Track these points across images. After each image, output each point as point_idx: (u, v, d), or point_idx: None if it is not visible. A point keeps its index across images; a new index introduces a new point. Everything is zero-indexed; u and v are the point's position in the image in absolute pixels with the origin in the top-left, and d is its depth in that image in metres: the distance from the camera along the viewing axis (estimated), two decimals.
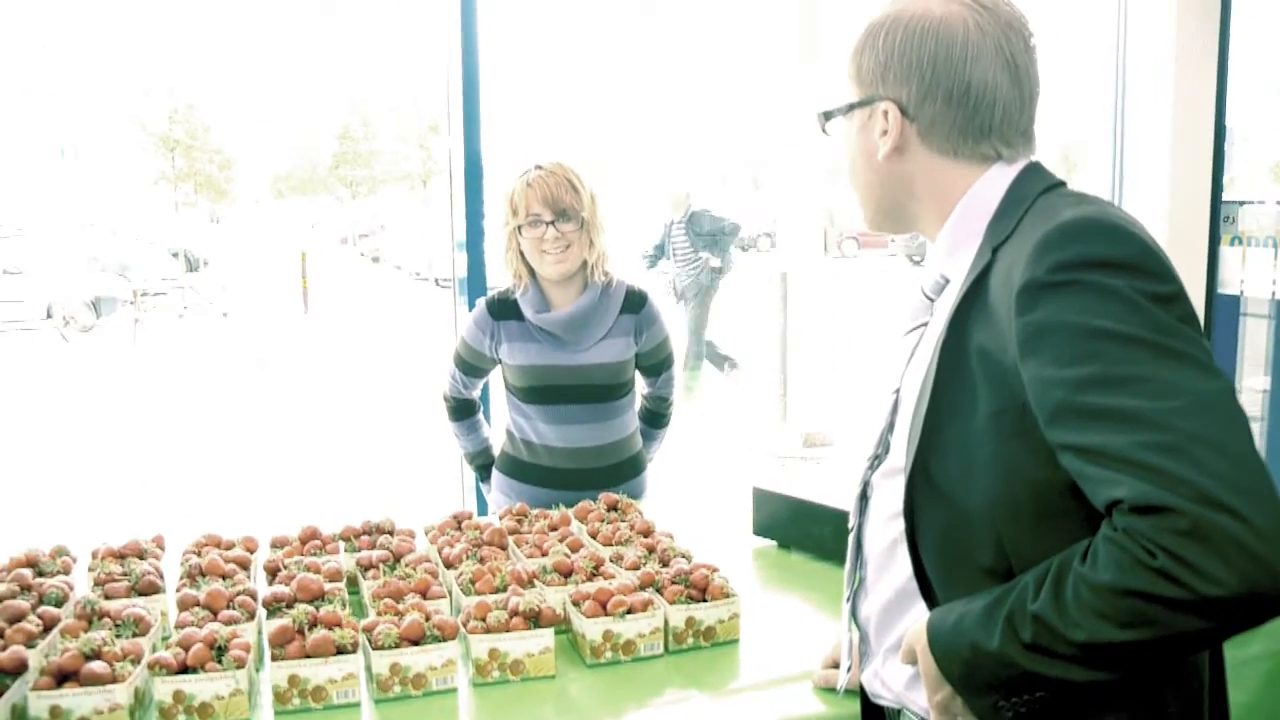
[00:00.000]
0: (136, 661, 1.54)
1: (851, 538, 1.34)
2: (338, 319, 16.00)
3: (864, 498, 1.32)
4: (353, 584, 2.02)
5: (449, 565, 1.99)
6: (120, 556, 2.02)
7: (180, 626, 1.66)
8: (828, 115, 1.34)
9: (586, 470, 2.54)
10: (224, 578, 1.88)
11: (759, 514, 2.29)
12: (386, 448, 7.45)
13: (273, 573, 1.95)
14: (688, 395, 8.83)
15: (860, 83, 1.27)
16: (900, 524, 1.21)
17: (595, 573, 1.90)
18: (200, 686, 1.51)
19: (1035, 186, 1.20)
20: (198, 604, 1.74)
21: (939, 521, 1.17)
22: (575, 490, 2.48)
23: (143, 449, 7.86)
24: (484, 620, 1.68)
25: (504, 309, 2.55)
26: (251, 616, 1.72)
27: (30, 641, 1.62)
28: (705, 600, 1.77)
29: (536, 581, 1.87)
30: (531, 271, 2.51)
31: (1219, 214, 4.09)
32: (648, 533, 2.12)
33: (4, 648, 1.57)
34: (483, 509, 3.01)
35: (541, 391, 2.51)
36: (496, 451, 2.72)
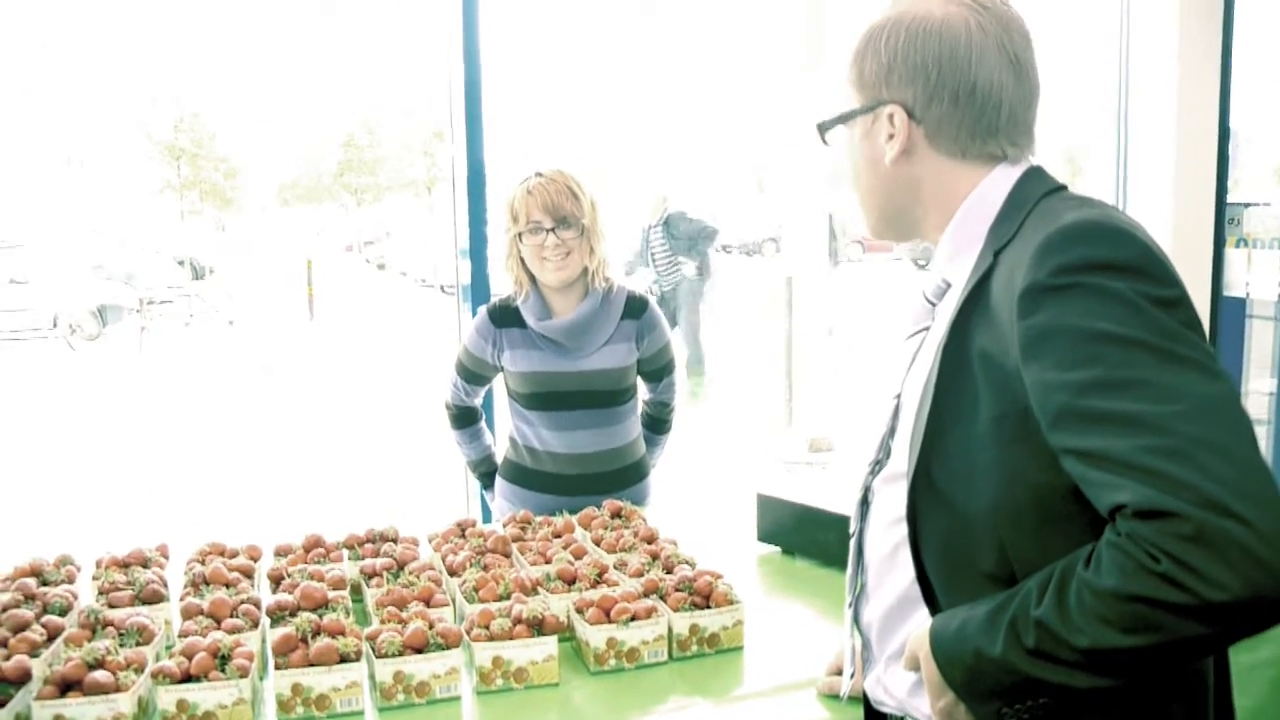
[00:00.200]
0: (140, 670, 1.54)
1: (852, 543, 1.33)
2: (343, 326, 16.03)
3: (865, 503, 1.32)
4: (356, 592, 2.02)
5: (453, 573, 1.99)
6: (124, 565, 2.03)
7: (184, 635, 1.66)
8: (828, 125, 1.32)
9: (590, 476, 2.54)
10: (228, 586, 1.88)
11: (763, 520, 2.28)
12: (392, 455, 7.45)
13: (276, 581, 1.95)
14: (691, 401, 8.82)
15: (863, 88, 1.26)
16: (901, 529, 1.20)
17: (599, 580, 1.90)
18: (204, 695, 1.51)
19: (1037, 190, 1.20)
20: (201, 612, 1.74)
21: (941, 527, 1.16)
22: (579, 496, 2.48)
23: (149, 457, 7.87)
24: (487, 628, 1.67)
25: (506, 316, 2.55)
26: (255, 625, 1.72)
27: (34, 651, 1.62)
28: (709, 607, 1.77)
29: (540, 589, 1.87)
30: (532, 278, 2.52)
31: (1224, 216, 4.09)
32: (651, 539, 2.12)
33: (8, 657, 1.57)
34: (487, 516, 3.01)
35: (544, 398, 2.51)
36: (499, 459, 2.72)
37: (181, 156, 38.23)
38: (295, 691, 1.56)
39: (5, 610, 1.73)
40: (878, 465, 1.29)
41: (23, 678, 1.54)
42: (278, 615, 1.73)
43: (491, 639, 1.65)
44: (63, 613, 1.79)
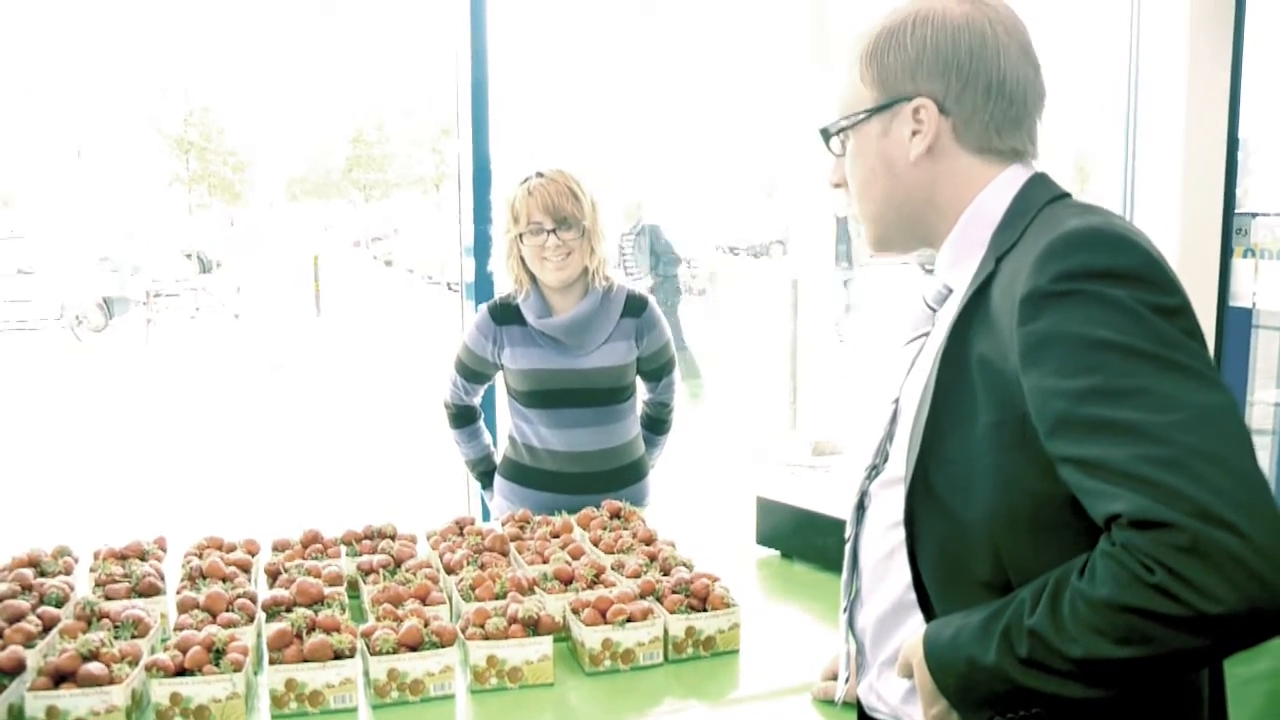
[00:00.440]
0: (134, 663, 1.54)
1: (848, 548, 1.33)
2: (349, 322, 16.04)
3: (861, 507, 1.31)
4: (353, 588, 2.02)
5: (450, 571, 1.99)
6: (122, 558, 2.03)
7: (179, 629, 1.66)
8: (839, 126, 1.28)
9: (589, 475, 2.54)
10: (224, 580, 1.88)
11: (762, 523, 2.28)
12: (396, 453, 7.46)
13: (274, 576, 1.95)
14: (692, 403, 8.82)
15: (884, 84, 1.23)
16: (897, 534, 1.20)
17: (596, 580, 1.89)
18: (197, 689, 1.51)
19: (1041, 197, 1.19)
20: (197, 606, 1.74)
21: (938, 533, 1.15)
22: (578, 494, 2.48)
23: (152, 449, 7.89)
24: (482, 627, 1.67)
25: (506, 314, 2.55)
26: (251, 619, 1.72)
27: (29, 642, 1.62)
28: (705, 610, 1.76)
29: (537, 588, 1.86)
30: (533, 277, 2.52)
31: (1231, 226, 4.07)
32: (650, 541, 2.11)
33: (3, 647, 1.57)
34: (488, 515, 3.01)
35: (543, 396, 2.52)
36: (498, 458, 2.72)
37: (190, 150, 38.33)
38: (289, 687, 1.55)
39: (1, 601, 1.73)
40: (874, 470, 1.28)
41: (17, 668, 1.54)
42: (273, 610, 1.73)
43: (486, 638, 1.65)
44: (59, 604, 1.79)
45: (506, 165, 3.47)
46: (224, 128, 39.13)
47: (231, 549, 2.09)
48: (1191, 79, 3.91)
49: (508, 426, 2.67)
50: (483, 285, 3.49)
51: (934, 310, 1.26)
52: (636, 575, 1.90)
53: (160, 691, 1.50)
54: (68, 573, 1.98)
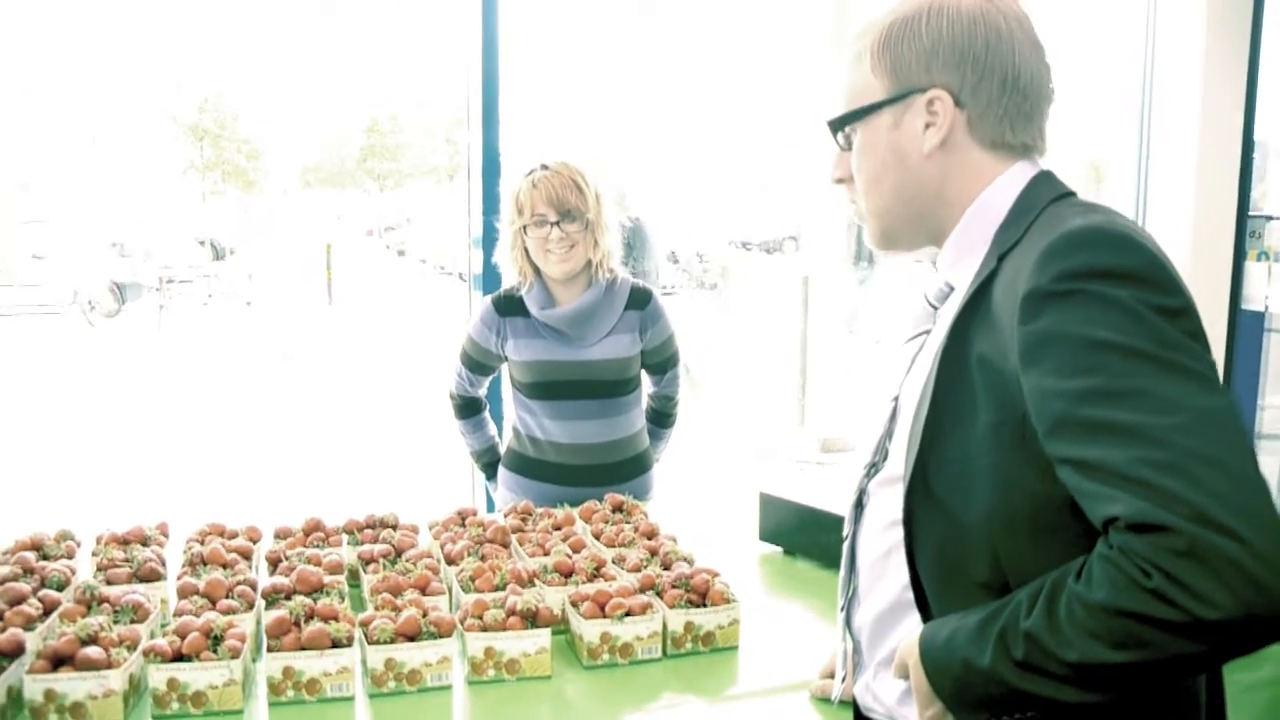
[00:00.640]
0: (133, 648, 1.54)
1: (846, 546, 1.32)
2: (361, 311, 16.08)
3: (859, 505, 1.30)
4: (354, 577, 2.02)
5: (450, 562, 1.99)
6: (124, 542, 2.03)
7: (179, 614, 1.66)
8: (848, 118, 1.26)
9: (592, 467, 2.54)
10: (225, 567, 1.89)
11: (765, 520, 2.27)
12: (403, 442, 7.47)
13: (274, 563, 1.95)
14: (698, 398, 8.80)
15: (897, 76, 1.21)
16: (895, 534, 1.19)
17: (596, 574, 1.89)
18: (194, 675, 1.51)
19: (1045, 195, 1.18)
20: (197, 592, 1.74)
21: (936, 532, 1.15)
22: (581, 486, 2.48)
23: (161, 435, 7.92)
24: (481, 618, 1.67)
25: (510, 305, 2.55)
26: (250, 606, 1.72)
27: (29, 624, 1.63)
28: (705, 605, 1.76)
29: (536, 581, 1.86)
30: (536, 269, 2.51)
31: (1245, 229, 4.04)
32: (651, 535, 2.11)
33: (2, 630, 1.58)
34: (493, 506, 3.01)
35: (547, 387, 2.51)
36: (503, 450, 2.72)
37: (205, 137, 38.43)
38: (286, 675, 1.55)
39: (3, 583, 1.74)
40: (874, 468, 1.27)
41: (16, 651, 1.54)
42: (273, 598, 1.73)
43: (485, 629, 1.65)
44: (60, 587, 1.80)
45: (518, 157, 3.47)
46: (238, 115, 39.23)
47: (234, 535, 2.09)
48: (1207, 80, 3.88)
49: (512, 418, 2.67)
50: (490, 276, 3.49)
51: (935, 308, 1.25)
52: (637, 569, 1.89)
53: (157, 676, 1.50)
54: (70, 556, 1.98)
